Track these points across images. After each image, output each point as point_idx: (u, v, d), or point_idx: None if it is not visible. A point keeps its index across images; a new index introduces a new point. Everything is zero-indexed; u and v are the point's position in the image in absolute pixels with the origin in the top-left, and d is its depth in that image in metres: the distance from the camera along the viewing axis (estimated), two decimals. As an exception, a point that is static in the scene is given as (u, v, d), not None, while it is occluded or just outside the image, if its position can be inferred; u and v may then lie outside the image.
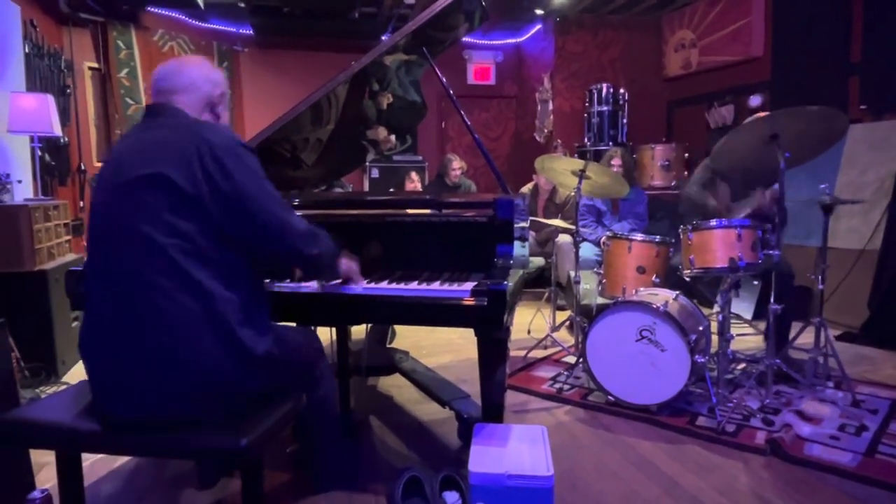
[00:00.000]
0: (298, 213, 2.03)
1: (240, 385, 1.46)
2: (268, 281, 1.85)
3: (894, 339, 3.51)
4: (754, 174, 2.92)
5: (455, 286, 1.76)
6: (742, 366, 3.06)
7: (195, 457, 1.71)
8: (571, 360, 3.24)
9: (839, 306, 3.86)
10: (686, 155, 5.52)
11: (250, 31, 6.48)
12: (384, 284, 1.83)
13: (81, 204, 4.98)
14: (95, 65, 5.45)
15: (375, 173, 6.28)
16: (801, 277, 3.06)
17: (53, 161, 4.49)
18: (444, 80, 2.25)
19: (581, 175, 3.07)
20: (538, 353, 3.43)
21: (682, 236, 2.79)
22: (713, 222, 2.64)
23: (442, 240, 1.98)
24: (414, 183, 5.72)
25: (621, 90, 5.83)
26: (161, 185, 1.37)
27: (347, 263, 1.78)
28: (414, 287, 1.79)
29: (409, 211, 2.03)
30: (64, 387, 2.87)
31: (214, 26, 6.31)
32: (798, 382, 2.75)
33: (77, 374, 3.07)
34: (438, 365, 3.14)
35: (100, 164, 5.23)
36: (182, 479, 2.07)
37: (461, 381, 2.71)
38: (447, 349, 3.57)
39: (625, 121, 5.81)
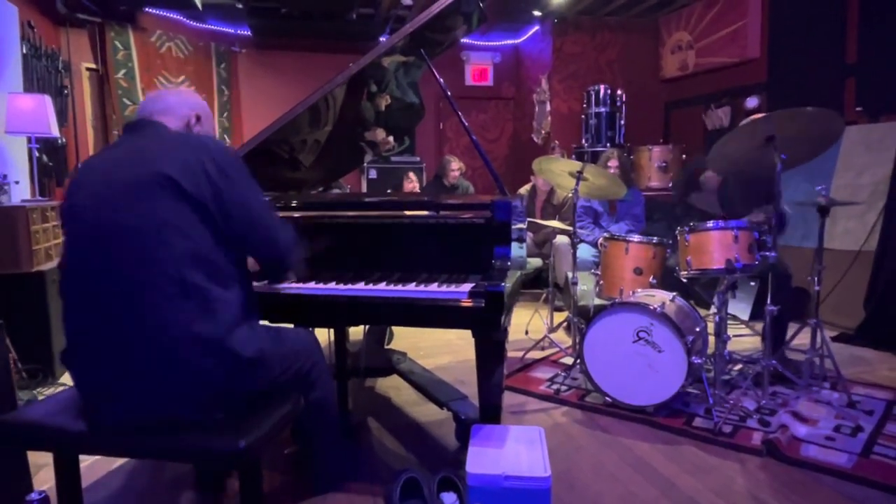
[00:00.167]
0: (296, 214, 2.07)
1: (238, 386, 1.46)
2: (265, 283, 1.85)
3: (890, 340, 3.52)
4: (751, 176, 2.93)
5: (453, 288, 1.76)
6: (739, 367, 3.07)
7: (194, 459, 1.71)
8: (569, 361, 3.24)
9: (835, 307, 3.88)
10: (683, 156, 5.54)
11: (248, 32, 6.48)
12: (382, 286, 1.83)
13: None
14: (93, 65, 5.46)
15: (373, 174, 6.29)
16: (798, 279, 3.07)
17: (51, 162, 4.48)
18: (441, 81, 2.26)
19: (578, 176, 3.08)
20: (536, 354, 3.44)
21: (678, 238, 2.79)
22: (710, 224, 2.65)
23: (440, 241, 1.98)
24: (412, 183, 5.72)
25: (619, 91, 5.84)
26: (165, 188, 1.37)
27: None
28: (412, 288, 1.80)
29: (407, 213, 2.03)
30: (61, 388, 2.86)
31: (212, 27, 6.31)
32: (794, 383, 2.76)
33: (74, 375, 3.07)
34: (436, 366, 3.15)
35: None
36: (180, 480, 2.07)
37: (459, 383, 2.72)
38: (445, 350, 3.57)
39: (622, 122, 5.83)
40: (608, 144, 5.67)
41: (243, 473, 1.48)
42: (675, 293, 2.85)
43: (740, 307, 4.17)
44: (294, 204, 2.11)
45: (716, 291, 2.68)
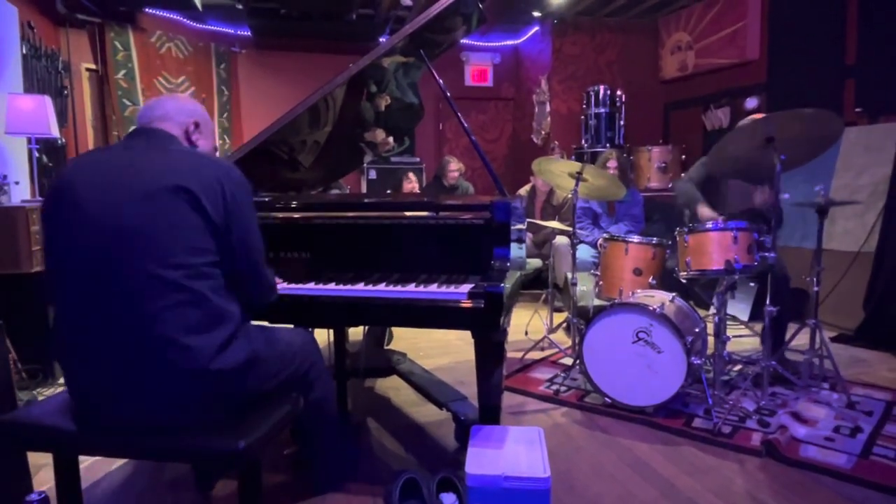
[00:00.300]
0: (296, 215, 2.07)
1: (235, 389, 1.46)
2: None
3: (889, 340, 3.53)
4: (750, 177, 2.93)
5: (452, 288, 1.76)
6: (738, 367, 3.07)
7: (193, 459, 1.71)
8: (568, 361, 3.25)
9: (835, 308, 3.88)
10: (683, 157, 5.55)
11: (248, 33, 6.48)
12: (382, 286, 1.84)
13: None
14: (93, 66, 5.45)
15: (373, 174, 6.29)
16: (797, 279, 3.08)
17: (51, 162, 4.47)
18: (441, 81, 2.26)
19: (578, 177, 3.08)
20: (535, 355, 3.44)
21: (678, 238, 2.80)
22: (709, 224, 2.65)
23: (439, 242, 1.98)
24: (412, 184, 5.72)
25: (618, 92, 5.84)
26: (186, 200, 1.38)
27: None
28: (411, 289, 1.80)
29: (407, 213, 2.03)
30: (61, 389, 2.86)
31: (212, 28, 6.31)
32: (793, 384, 2.76)
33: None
34: (436, 367, 3.15)
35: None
36: (180, 481, 2.07)
37: (458, 383, 2.72)
38: (445, 351, 3.58)
39: (622, 123, 5.83)
40: (608, 145, 5.68)
41: (243, 474, 1.48)
42: (674, 294, 2.85)
43: (740, 308, 4.18)
44: (294, 204, 2.11)
45: (715, 292, 2.68)
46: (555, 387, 2.95)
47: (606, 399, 2.67)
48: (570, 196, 3.28)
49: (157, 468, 2.16)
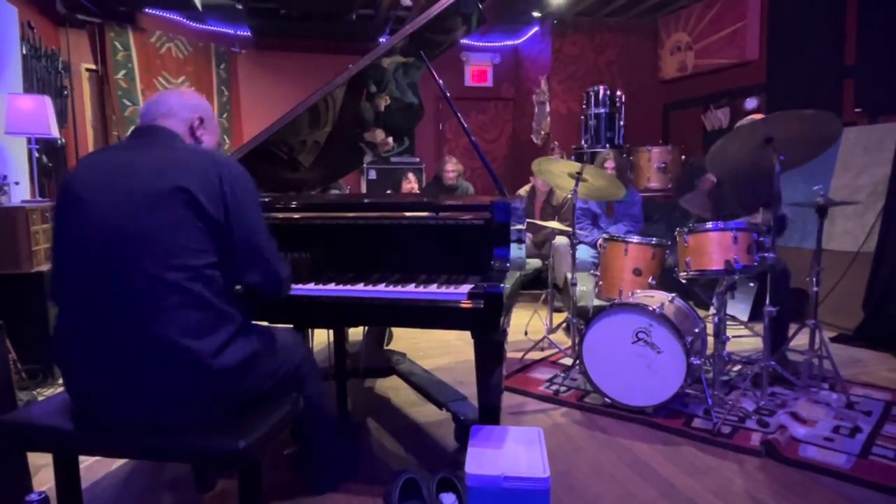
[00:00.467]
0: (296, 215, 2.07)
1: (237, 386, 1.46)
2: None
3: (888, 340, 3.53)
4: (750, 177, 2.93)
5: (452, 289, 1.76)
6: (738, 368, 3.07)
7: (193, 459, 1.71)
8: (568, 361, 3.25)
9: (834, 308, 3.88)
10: (682, 157, 5.55)
11: (248, 33, 6.48)
12: (381, 287, 1.84)
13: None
14: (93, 66, 5.45)
15: (373, 175, 6.29)
16: (797, 280, 3.08)
17: (51, 163, 4.48)
18: (441, 82, 2.26)
19: (578, 177, 3.08)
20: (535, 355, 3.44)
21: (678, 239, 2.80)
22: (709, 225, 2.65)
23: (439, 242, 1.98)
24: (411, 184, 5.72)
25: (618, 92, 5.84)
26: (184, 202, 1.38)
27: None
28: (411, 290, 1.80)
29: (407, 214, 2.03)
30: (61, 389, 2.86)
31: (212, 28, 6.31)
32: (793, 384, 2.76)
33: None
34: (436, 367, 3.15)
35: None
36: (180, 481, 2.07)
37: (458, 383, 2.72)
38: (444, 351, 3.58)
39: (621, 123, 5.83)
40: (607, 145, 5.68)
41: (243, 474, 1.48)
42: (674, 294, 2.85)
43: (739, 308, 4.18)
44: (294, 205, 2.11)
45: (715, 292, 2.68)
46: (554, 387, 2.95)
47: (606, 399, 2.67)
48: (569, 196, 3.28)
49: (157, 468, 2.16)
